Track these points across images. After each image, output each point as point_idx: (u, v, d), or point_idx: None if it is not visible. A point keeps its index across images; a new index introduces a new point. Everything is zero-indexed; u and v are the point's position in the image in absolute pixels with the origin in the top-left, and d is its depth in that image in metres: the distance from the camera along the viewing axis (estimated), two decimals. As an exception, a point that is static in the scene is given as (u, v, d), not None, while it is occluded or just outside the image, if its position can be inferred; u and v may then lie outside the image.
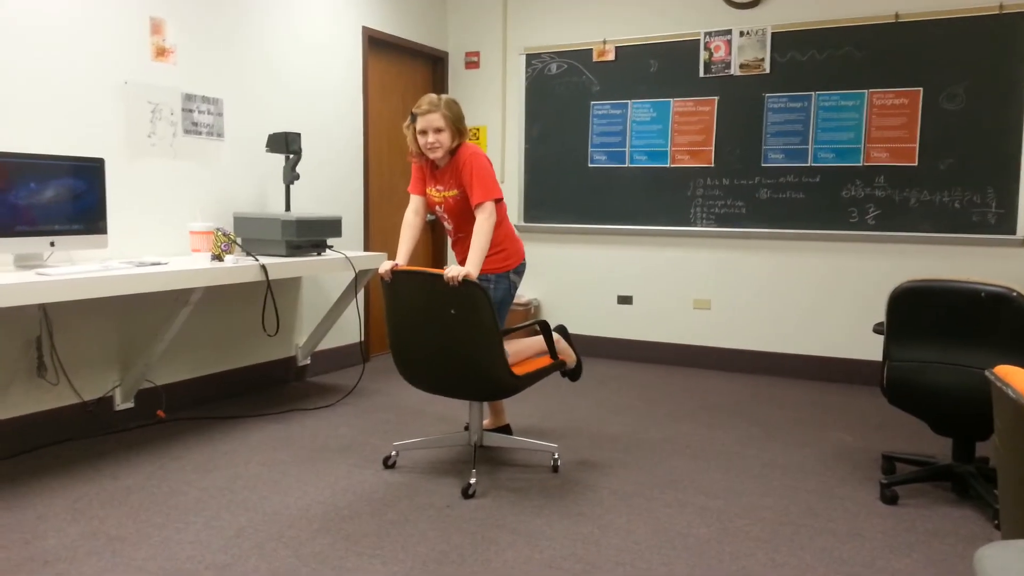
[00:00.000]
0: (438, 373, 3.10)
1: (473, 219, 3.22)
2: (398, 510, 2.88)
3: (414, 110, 3.20)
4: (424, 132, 3.18)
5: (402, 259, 3.25)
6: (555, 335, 3.39)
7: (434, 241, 6.19)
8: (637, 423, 4.09)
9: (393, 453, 3.35)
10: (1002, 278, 4.56)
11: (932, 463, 3.23)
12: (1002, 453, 1.45)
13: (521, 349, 3.30)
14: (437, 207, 3.39)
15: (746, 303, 5.37)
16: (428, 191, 3.38)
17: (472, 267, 3.02)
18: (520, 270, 3.42)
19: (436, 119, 3.16)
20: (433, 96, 3.22)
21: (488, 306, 2.91)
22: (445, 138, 3.19)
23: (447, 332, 2.98)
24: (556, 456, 3.41)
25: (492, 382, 3.03)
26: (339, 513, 2.85)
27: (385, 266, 3.07)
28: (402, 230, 3.39)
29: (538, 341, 3.34)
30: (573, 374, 3.52)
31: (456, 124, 3.21)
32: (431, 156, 3.24)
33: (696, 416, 4.24)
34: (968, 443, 3.08)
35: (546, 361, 3.30)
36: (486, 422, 3.68)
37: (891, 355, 3.04)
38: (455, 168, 3.26)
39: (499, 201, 3.24)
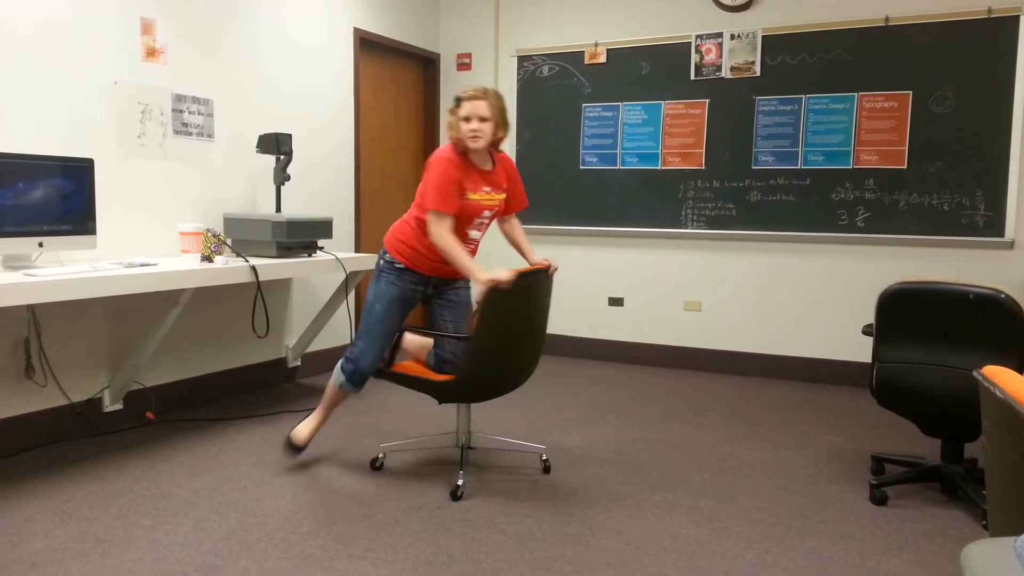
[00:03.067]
0: (520, 367, 3.15)
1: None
2: (388, 512, 2.88)
3: (459, 95, 3.09)
4: (468, 119, 3.05)
5: (473, 265, 2.98)
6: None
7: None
8: (627, 424, 4.09)
9: (380, 455, 3.34)
10: (990, 280, 4.58)
11: (921, 464, 3.25)
12: (990, 453, 1.46)
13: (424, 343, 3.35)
14: (486, 211, 3.17)
15: (736, 305, 5.38)
16: (473, 197, 3.10)
17: (537, 256, 3.23)
18: None
19: (483, 107, 3.05)
20: (480, 85, 3.18)
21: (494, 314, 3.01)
22: (489, 128, 3.06)
23: (539, 321, 3.13)
24: (545, 457, 3.41)
25: (540, 352, 3.25)
26: (329, 515, 2.84)
27: (505, 274, 2.86)
28: (456, 247, 2.99)
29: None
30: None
31: (501, 116, 3.11)
32: (472, 145, 3.06)
33: (686, 417, 4.25)
34: (957, 444, 3.09)
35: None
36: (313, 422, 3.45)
37: (880, 356, 3.06)
38: (503, 170, 3.23)
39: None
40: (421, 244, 3.13)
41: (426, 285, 3.23)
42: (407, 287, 3.19)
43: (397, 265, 3.17)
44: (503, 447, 3.58)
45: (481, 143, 3.07)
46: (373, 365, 3.20)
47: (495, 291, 2.86)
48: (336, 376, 3.27)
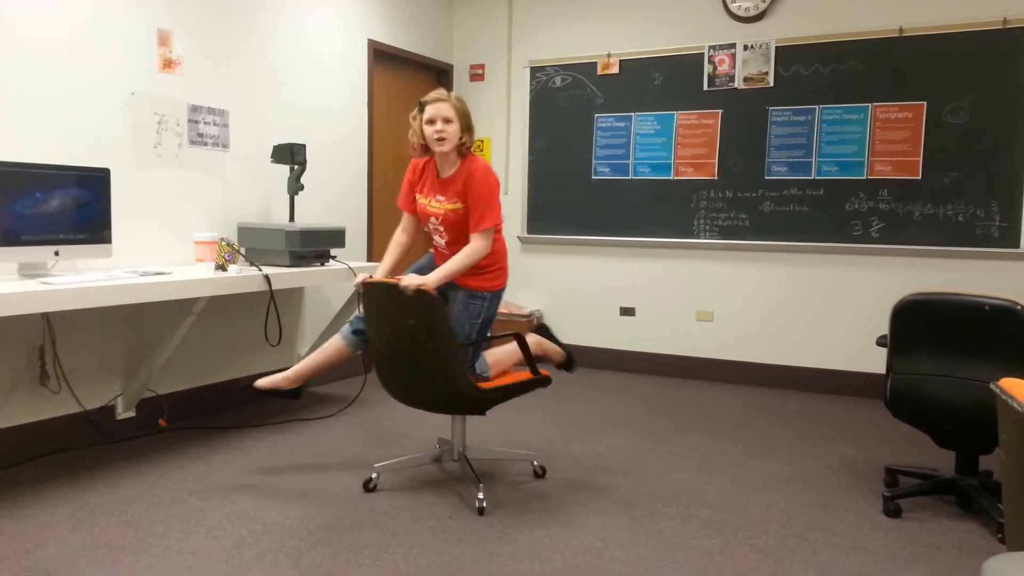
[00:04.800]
0: (408, 385, 3.05)
1: (463, 241, 3.15)
2: (399, 521, 2.87)
3: (423, 100, 3.11)
4: (432, 121, 3.06)
5: (381, 272, 3.27)
6: (533, 338, 3.32)
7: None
8: (640, 435, 4.08)
9: (374, 475, 3.24)
10: (1006, 291, 4.53)
11: (935, 476, 3.22)
12: (1007, 466, 1.45)
13: (502, 359, 3.24)
14: (433, 219, 3.21)
15: (749, 315, 5.36)
16: (422, 201, 3.24)
17: (433, 278, 2.94)
18: (503, 292, 3.34)
19: (446, 108, 3.06)
20: (443, 89, 3.20)
21: (444, 317, 2.85)
22: (453, 130, 3.07)
23: (410, 343, 2.93)
24: (535, 463, 3.44)
25: (456, 395, 2.95)
26: (340, 524, 2.84)
27: (360, 277, 3.07)
28: (389, 246, 3.41)
29: (514, 346, 3.21)
30: (566, 367, 3.49)
31: (465, 119, 3.11)
32: (437, 149, 3.08)
33: (699, 428, 4.23)
34: (971, 456, 3.06)
35: (524, 375, 3.15)
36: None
37: (894, 368, 3.03)
38: (463, 180, 3.11)
39: (498, 227, 3.18)
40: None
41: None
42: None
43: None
44: (494, 456, 3.58)
45: (447, 145, 3.08)
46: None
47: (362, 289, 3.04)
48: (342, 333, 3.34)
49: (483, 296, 3.19)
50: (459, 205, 3.14)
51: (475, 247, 3.08)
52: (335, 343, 3.29)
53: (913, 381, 2.99)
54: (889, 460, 3.72)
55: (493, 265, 3.21)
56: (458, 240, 3.20)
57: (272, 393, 3.34)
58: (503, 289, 3.29)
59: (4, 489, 3.10)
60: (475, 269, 3.15)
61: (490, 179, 3.11)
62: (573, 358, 3.51)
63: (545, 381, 3.20)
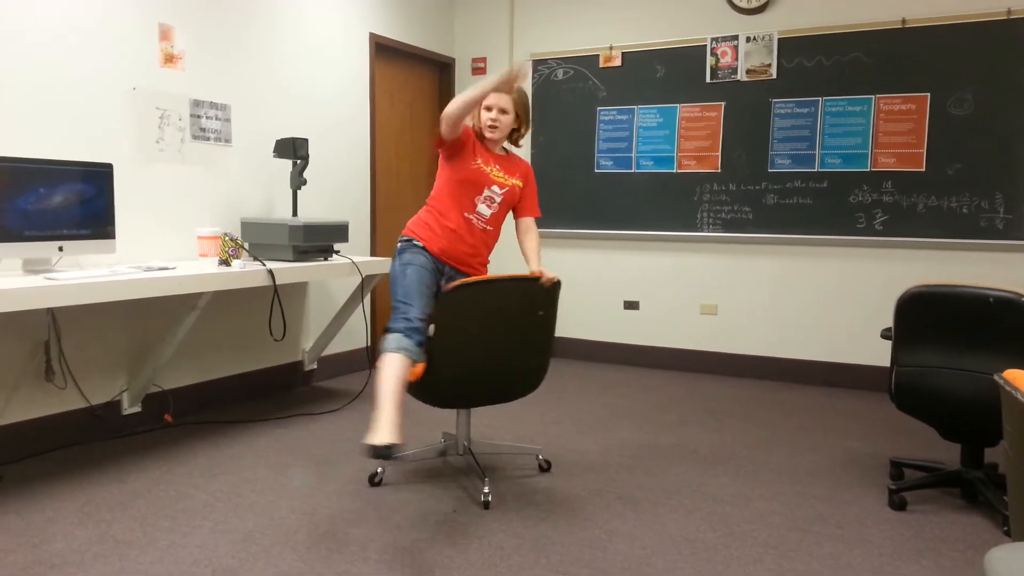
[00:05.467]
0: (503, 381, 3.06)
1: (499, 223, 3.23)
2: (405, 515, 2.88)
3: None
4: (489, 108, 3.09)
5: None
6: None
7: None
8: (644, 428, 4.08)
9: (379, 470, 3.24)
10: (1010, 283, 4.53)
11: (941, 469, 3.21)
12: (1012, 458, 1.45)
13: None
14: (495, 187, 3.14)
15: (753, 308, 5.36)
16: (484, 168, 3.13)
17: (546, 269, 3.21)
18: None
19: (506, 100, 3.08)
20: (516, 79, 3.15)
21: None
22: (507, 121, 3.10)
23: (524, 334, 3.00)
24: (540, 456, 3.45)
25: (542, 371, 3.15)
26: (345, 518, 2.85)
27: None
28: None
29: None
30: None
31: (524, 112, 3.15)
32: (488, 134, 3.11)
33: (703, 421, 4.23)
34: (977, 449, 3.06)
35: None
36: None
37: (899, 360, 3.03)
38: (522, 165, 3.26)
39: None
40: (437, 224, 3.13)
41: (441, 269, 3.15)
42: (428, 260, 3.11)
43: (415, 242, 3.14)
44: (499, 451, 3.59)
45: (497, 134, 3.12)
46: (422, 315, 2.94)
47: (457, 289, 2.85)
48: (387, 348, 2.89)
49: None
50: (520, 183, 3.23)
51: (536, 233, 3.30)
52: (404, 366, 2.84)
53: (918, 373, 2.98)
54: (894, 453, 3.73)
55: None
56: (499, 219, 3.25)
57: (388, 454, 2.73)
58: None
59: (10, 485, 3.11)
60: (486, 259, 3.26)
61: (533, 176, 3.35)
62: None
63: None
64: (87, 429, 3.69)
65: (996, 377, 1.45)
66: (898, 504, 3.01)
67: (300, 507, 2.94)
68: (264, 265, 3.79)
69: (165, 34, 3.92)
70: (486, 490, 3.00)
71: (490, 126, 3.09)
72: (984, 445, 3.02)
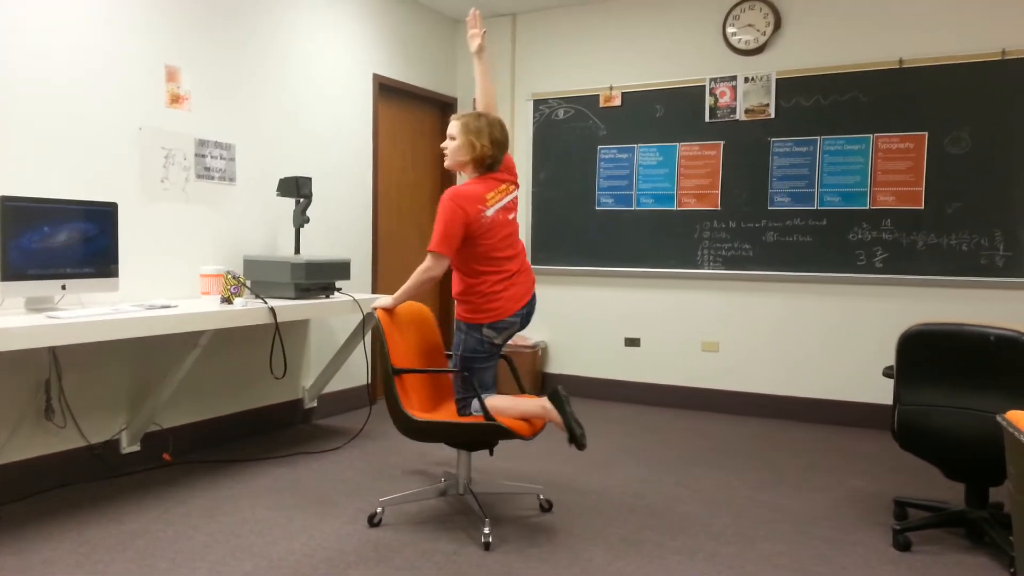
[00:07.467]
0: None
1: (516, 225, 3.22)
2: (404, 556, 2.85)
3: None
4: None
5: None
6: (538, 402, 3.07)
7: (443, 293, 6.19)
8: (646, 467, 4.05)
9: (379, 510, 3.21)
10: (1011, 321, 4.53)
11: (945, 509, 3.18)
12: (1016, 499, 1.44)
13: (502, 407, 3.04)
14: (511, 215, 3.19)
15: (755, 346, 5.35)
16: (492, 201, 3.11)
17: (392, 299, 3.24)
18: (498, 327, 3.11)
19: (452, 126, 3.16)
20: (477, 109, 3.26)
21: (381, 338, 3.11)
22: (455, 145, 3.14)
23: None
24: (541, 496, 3.42)
25: (394, 414, 3.07)
26: (345, 559, 2.82)
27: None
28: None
29: (530, 404, 3.07)
30: (573, 442, 2.98)
31: (472, 133, 3.10)
32: (445, 163, 3.20)
33: (705, 460, 4.20)
34: (981, 488, 3.04)
35: (478, 419, 3.03)
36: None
37: (901, 399, 3.02)
38: (500, 172, 3.22)
39: (441, 256, 3.05)
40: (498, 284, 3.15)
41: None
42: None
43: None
44: (500, 490, 3.56)
45: (447, 162, 3.20)
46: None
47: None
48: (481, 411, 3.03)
49: (460, 327, 3.18)
50: (511, 179, 3.24)
51: (422, 266, 3.11)
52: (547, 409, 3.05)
53: (920, 412, 2.97)
54: (898, 492, 3.70)
55: (464, 294, 3.14)
56: (520, 252, 3.24)
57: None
58: (481, 326, 3.10)
59: (8, 524, 3.09)
60: (456, 296, 3.20)
61: (447, 203, 3.06)
62: (577, 436, 2.96)
63: (501, 431, 2.98)
64: (86, 468, 3.67)
65: (999, 418, 1.45)
66: (902, 545, 2.98)
67: (299, 548, 2.91)
68: (266, 303, 3.79)
69: (172, 75, 3.97)
70: (487, 531, 2.97)
71: (442, 156, 3.16)
72: (989, 485, 2.99)
